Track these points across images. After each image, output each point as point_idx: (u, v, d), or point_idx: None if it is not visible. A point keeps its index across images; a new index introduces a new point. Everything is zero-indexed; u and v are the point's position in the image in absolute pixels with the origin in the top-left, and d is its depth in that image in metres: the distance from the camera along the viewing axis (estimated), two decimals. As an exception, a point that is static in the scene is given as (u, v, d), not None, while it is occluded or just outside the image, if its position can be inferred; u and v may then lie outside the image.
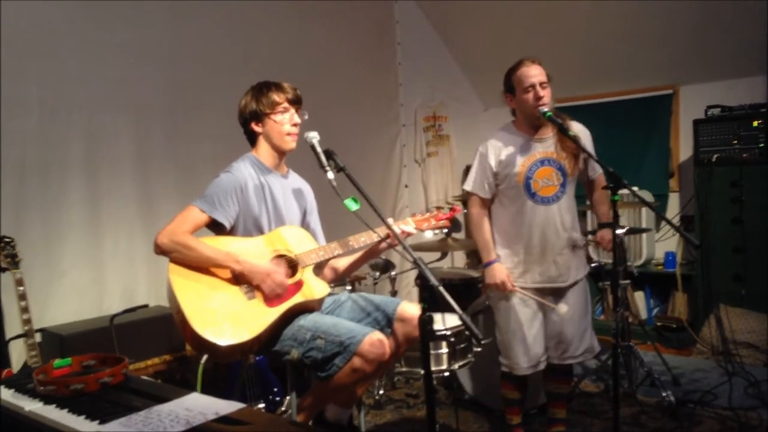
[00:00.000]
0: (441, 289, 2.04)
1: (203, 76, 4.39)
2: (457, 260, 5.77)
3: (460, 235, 4.64)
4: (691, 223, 4.94)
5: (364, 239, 2.65)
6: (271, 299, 2.46)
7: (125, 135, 4.03)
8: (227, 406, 1.65)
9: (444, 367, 3.36)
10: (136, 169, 4.08)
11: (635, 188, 2.93)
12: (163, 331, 3.61)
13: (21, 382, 1.96)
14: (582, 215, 3.92)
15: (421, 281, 2.11)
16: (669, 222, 2.79)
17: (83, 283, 3.81)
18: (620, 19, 4.95)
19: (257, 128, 2.69)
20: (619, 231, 2.75)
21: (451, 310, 2.04)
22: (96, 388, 1.85)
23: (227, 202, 2.54)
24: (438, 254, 4.89)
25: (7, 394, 1.88)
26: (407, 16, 6.17)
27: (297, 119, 2.68)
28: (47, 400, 1.80)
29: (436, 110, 6.31)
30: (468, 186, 3.12)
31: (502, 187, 3.04)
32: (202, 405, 1.67)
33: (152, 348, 3.58)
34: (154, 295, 4.03)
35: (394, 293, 4.21)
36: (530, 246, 2.99)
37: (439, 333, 3.18)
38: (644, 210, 5.06)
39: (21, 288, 3.06)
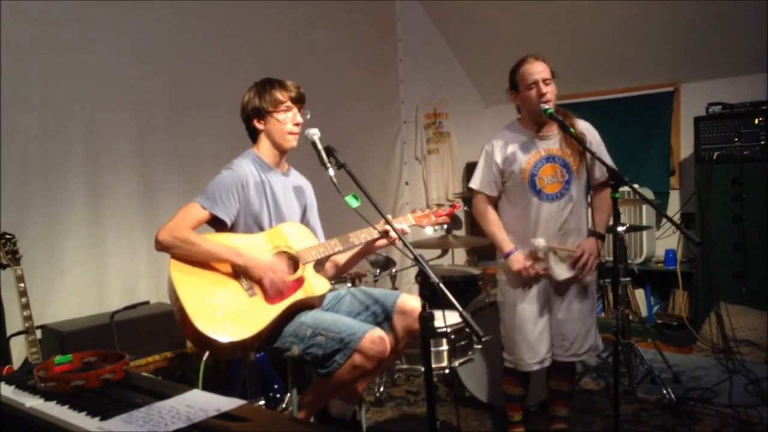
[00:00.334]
0: (441, 286, 2.04)
1: (205, 73, 4.39)
2: (458, 258, 5.76)
3: (461, 233, 4.65)
4: (691, 221, 4.93)
5: (365, 236, 2.66)
6: (271, 296, 2.46)
7: (127, 132, 4.04)
8: (228, 403, 1.65)
9: (444, 364, 3.36)
10: (137, 166, 4.08)
11: (636, 185, 2.94)
12: (164, 327, 3.61)
13: (22, 379, 1.96)
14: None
15: (422, 278, 2.12)
16: (670, 219, 2.79)
17: (84, 280, 3.82)
18: (622, 16, 4.94)
19: (259, 125, 2.69)
20: (619, 228, 2.74)
21: (452, 307, 2.05)
22: (97, 384, 1.85)
23: (228, 198, 2.54)
24: (438, 251, 4.89)
25: (8, 391, 1.88)
26: (408, 14, 6.17)
27: (299, 119, 2.68)
28: (48, 396, 1.80)
29: (437, 107, 6.30)
30: (474, 184, 3.11)
31: (508, 184, 3.04)
32: (203, 402, 1.67)
33: (153, 345, 3.59)
34: (155, 291, 4.04)
35: (394, 290, 4.21)
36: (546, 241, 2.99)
37: (439, 330, 3.18)
38: (645, 207, 5.05)
39: (22, 285, 3.06)
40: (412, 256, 2.16)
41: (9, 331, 3.27)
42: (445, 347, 3.36)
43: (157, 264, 3.84)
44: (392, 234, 2.52)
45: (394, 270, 4.25)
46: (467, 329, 3.12)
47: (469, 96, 6.24)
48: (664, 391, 3.66)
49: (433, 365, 3.30)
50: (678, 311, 5.06)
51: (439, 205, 2.97)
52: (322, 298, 2.64)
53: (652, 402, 3.71)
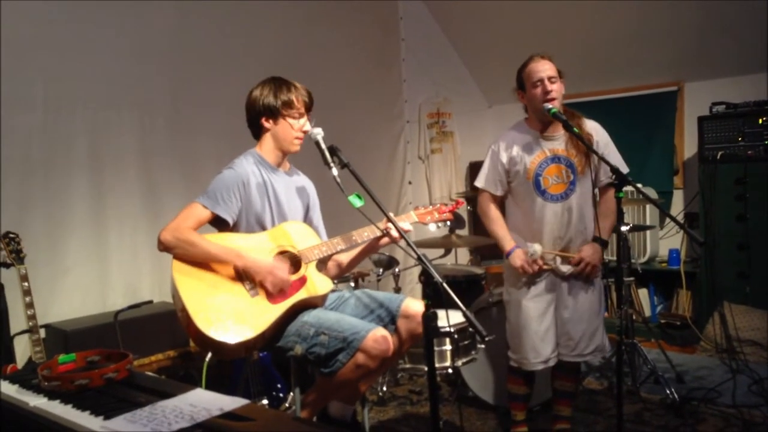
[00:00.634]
0: (444, 285, 2.04)
1: (207, 72, 4.39)
2: (461, 257, 5.77)
3: (464, 232, 4.65)
4: (695, 221, 4.93)
5: (367, 234, 2.65)
6: (274, 296, 2.46)
7: (129, 131, 4.04)
8: (231, 402, 1.65)
9: (447, 363, 3.36)
10: (140, 165, 4.09)
11: (639, 185, 2.93)
12: (167, 327, 3.61)
13: (25, 378, 1.96)
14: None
15: (425, 278, 2.12)
16: (673, 219, 2.78)
17: (87, 279, 3.83)
18: (625, 16, 4.93)
19: (267, 124, 2.67)
20: (623, 228, 2.72)
21: (455, 306, 2.04)
22: (100, 383, 1.85)
23: (230, 198, 2.54)
24: (442, 251, 4.89)
25: (12, 390, 1.89)
26: (412, 13, 6.15)
27: (308, 126, 2.65)
28: (52, 395, 1.80)
29: (440, 107, 6.29)
30: (480, 183, 3.11)
31: (513, 184, 3.04)
32: (206, 401, 1.68)
33: (156, 344, 3.59)
34: (158, 291, 4.04)
35: (397, 290, 4.22)
36: (542, 243, 2.99)
37: (442, 330, 3.18)
38: (648, 207, 5.05)
39: (25, 284, 3.07)
40: (415, 256, 2.16)
41: (13, 330, 3.27)
42: (448, 347, 3.36)
43: (160, 263, 3.85)
44: (395, 233, 2.51)
45: (397, 269, 4.25)
46: (470, 329, 3.14)
47: (473, 95, 6.23)
48: (668, 391, 3.66)
49: (437, 365, 3.31)
50: (681, 311, 5.05)
51: (442, 204, 2.96)
52: (324, 297, 2.65)
53: (655, 402, 3.71)
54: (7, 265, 3.11)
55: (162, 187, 4.17)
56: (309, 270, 2.58)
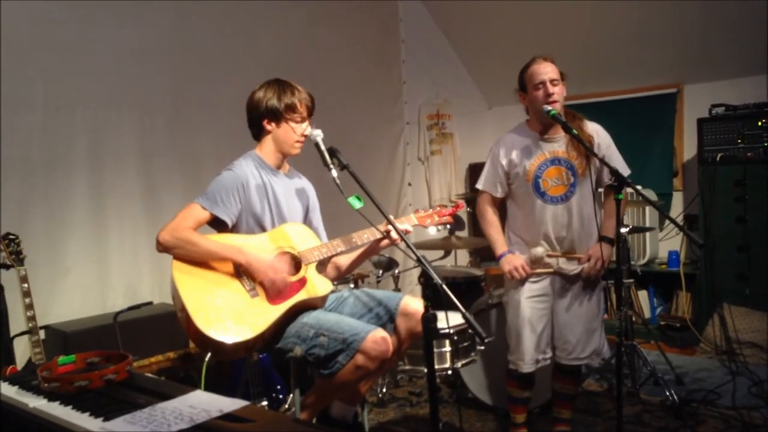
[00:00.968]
0: (444, 287, 2.05)
1: (207, 73, 4.39)
2: (461, 259, 5.77)
3: (464, 234, 4.65)
4: (695, 222, 4.93)
5: (367, 236, 2.66)
6: (273, 297, 2.46)
7: (129, 131, 4.05)
8: (231, 404, 1.65)
9: (447, 365, 3.36)
10: (140, 166, 4.09)
11: (639, 187, 2.92)
12: (167, 328, 3.61)
13: (25, 379, 1.97)
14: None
15: (425, 279, 2.12)
16: (673, 221, 2.78)
17: (87, 280, 3.83)
18: (625, 17, 4.94)
19: (269, 126, 2.67)
20: (623, 229, 2.73)
21: (455, 308, 2.05)
22: (100, 385, 1.86)
23: (229, 199, 2.54)
24: (441, 252, 4.89)
25: (12, 391, 1.89)
26: (411, 14, 6.16)
27: (309, 131, 2.64)
28: (51, 396, 1.80)
29: (440, 108, 6.30)
30: (480, 184, 3.12)
31: (513, 186, 3.04)
32: (205, 402, 1.68)
33: (156, 345, 3.59)
34: (158, 292, 4.04)
35: (397, 291, 4.22)
36: (543, 245, 2.99)
37: (442, 331, 3.18)
38: (648, 209, 5.05)
39: (25, 285, 3.06)
40: (415, 257, 2.16)
41: (12, 332, 3.27)
42: (447, 348, 3.36)
43: (160, 264, 3.85)
44: (395, 235, 2.51)
45: (396, 271, 4.25)
46: (470, 330, 3.14)
47: (472, 97, 6.24)
48: (667, 393, 3.66)
49: (436, 366, 3.31)
50: (681, 313, 5.05)
51: (442, 206, 2.96)
52: (324, 298, 2.65)
53: (655, 403, 3.71)
54: (6, 267, 3.11)
55: (162, 187, 4.17)
56: (309, 271, 2.58)
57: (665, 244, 5.25)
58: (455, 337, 3.36)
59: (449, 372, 3.40)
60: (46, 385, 1.84)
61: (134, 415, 1.61)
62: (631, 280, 4.11)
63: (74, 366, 2.04)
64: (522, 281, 3.02)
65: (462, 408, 3.75)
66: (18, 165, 3.53)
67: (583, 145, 2.81)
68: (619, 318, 2.77)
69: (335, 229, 2.88)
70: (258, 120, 2.68)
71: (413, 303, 2.60)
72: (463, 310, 2.04)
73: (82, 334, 3.41)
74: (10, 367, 3.15)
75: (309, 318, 2.50)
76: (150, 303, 3.85)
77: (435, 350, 3.27)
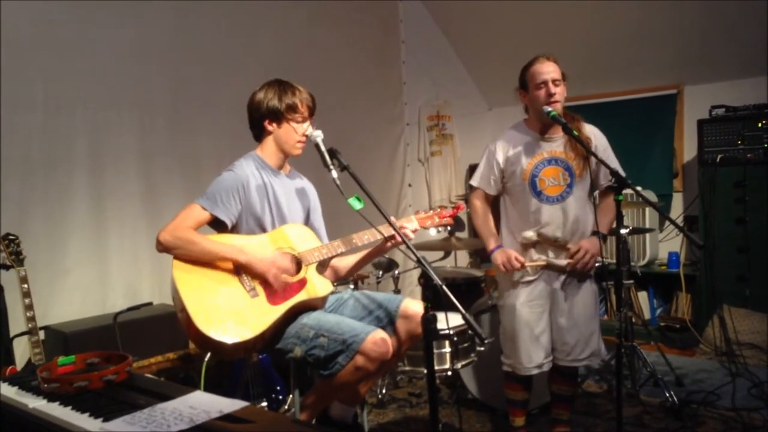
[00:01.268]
0: (444, 288, 2.05)
1: (207, 73, 4.39)
2: (461, 260, 5.77)
3: (464, 235, 4.65)
4: (695, 223, 4.93)
5: (367, 236, 2.65)
6: (274, 297, 2.46)
7: (130, 131, 4.04)
8: (231, 405, 1.65)
9: (447, 366, 3.36)
10: (139, 166, 4.09)
11: (639, 188, 2.92)
12: (167, 328, 3.61)
13: (25, 380, 1.97)
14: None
15: (425, 280, 2.12)
16: (673, 222, 2.78)
17: (87, 281, 3.83)
18: (625, 18, 4.94)
19: (270, 127, 2.67)
20: (623, 230, 2.72)
21: (454, 309, 2.05)
22: (100, 385, 1.86)
23: (229, 200, 2.54)
24: (441, 253, 4.89)
25: (11, 392, 1.89)
26: (412, 15, 6.17)
27: (310, 131, 2.64)
28: (51, 397, 1.80)
29: (440, 109, 6.30)
30: (474, 181, 3.11)
31: (509, 184, 3.03)
32: (205, 403, 1.68)
33: (156, 346, 3.58)
34: (158, 292, 4.04)
35: (397, 292, 4.21)
36: (538, 245, 2.99)
37: (442, 332, 3.17)
38: (648, 210, 5.05)
39: (25, 285, 3.06)
40: (415, 258, 2.16)
41: (12, 332, 3.27)
42: (447, 349, 3.36)
43: (160, 265, 3.85)
44: (396, 237, 2.52)
45: (396, 272, 4.25)
46: (470, 331, 3.14)
47: (473, 98, 6.24)
48: (667, 394, 3.66)
49: (436, 367, 3.31)
50: (681, 314, 5.05)
51: (442, 207, 2.96)
52: (324, 299, 2.65)
53: (654, 405, 3.71)
54: (6, 267, 3.11)
55: (162, 187, 4.17)
56: (309, 272, 2.58)
57: (665, 245, 5.25)
58: (455, 338, 3.36)
59: (449, 373, 3.40)
60: (45, 385, 1.84)
61: (134, 415, 1.61)
62: (631, 281, 4.11)
63: (74, 366, 2.04)
64: (516, 285, 3.02)
65: (462, 409, 3.75)
66: (18, 165, 3.53)
67: (583, 146, 2.82)
68: (618, 319, 2.76)
69: (336, 229, 2.88)
70: (259, 121, 2.68)
71: (413, 305, 2.60)
72: (463, 311, 2.04)
73: (82, 335, 3.41)
74: (10, 367, 3.14)
75: (309, 319, 2.50)
76: (150, 304, 3.85)
77: (435, 351, 3.27)
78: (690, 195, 5.12)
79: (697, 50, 4.90)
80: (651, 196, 4.95)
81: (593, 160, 2.92)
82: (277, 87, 2.66)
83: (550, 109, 2.82)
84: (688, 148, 5.19)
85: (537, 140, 2.98)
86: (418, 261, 2.13)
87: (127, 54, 3.98)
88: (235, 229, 2.60)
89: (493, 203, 3.15)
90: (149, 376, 2.30)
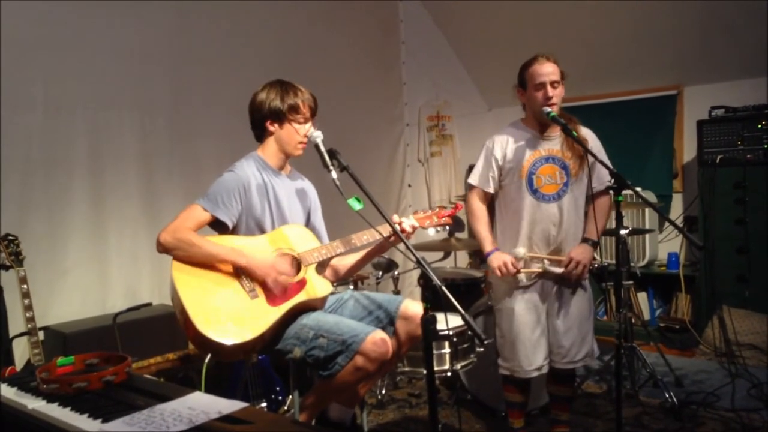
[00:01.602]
0: (444, 288, 2.04)
1: (208, 74, 4.40)
2: (460, 260, 5.76)
3: (463, 235, 4.64)
4: (694, 224, 4.93)
5: (366, 237, 2.65)
6: (273, 298, 2.46)
7: (130, 132, 4.05)
8: (230, 405, 1.65)
9: (446, 367, 3.36)
10: (140, 167, 4.09)
11: (639, 189, 2.92)
12: (167, 329, 3.61)
13: (24, 380, 1.97)
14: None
15: (424, 281, 2.12)
16: (672, 223, 2.79)
17: (87, 281, 3.83)
18: (625, 19, 4.94)
19: (272, 128, 2.67)
20: (622, 231, 2.72)
21: (454, 310, 2.04)
22: (99, 386, 1.86)
23: (230, 201, 2.54)
24: (441, 254, 4.89)
25: (10, 392, 1.89)
26: (412, 15, 6.17)
27: (312, 131, 2.64)
28: (50, 398, 1.80)
29: (440, 110, 6.31)
30: (473, 179, 3.10)
31: (505, 182, 3.03)
32: (204, 404, 1.68)
33: (155, 346, 3.58)
34: (157, 293, 4.04)
35: (396, 293, 4.21)
36: (532, 243, 2.98)
37: (441, 333, 3.17)
38: (648, 211, 5.05)
39: (24, 286, 3.06)
40: (414, 259, 2.16)
41: (12, 333, 3.27)
42: (447, 350, 3.36)
43: (160, 265, 3.84)
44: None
45: (396, 272, 4.24)
46: (469, 332, 3.14)
47: (472, 98, 6.24)
48: (667, 395, 3.66)
49: (435, 368, 3.30)
50: (681, 315, 5.05)
51: (441, 207, 2.96)
52: (324, 300, 2.64)
53: (654, 405, 3.71)
54: (6, 267, 3.11)
55: (162, 188, 4.17)
56: (308, 273, 2.58)
57: (665, 245, 5.25)
58: (454, 339, 3.36)
59: (448, 374, 3.39)
60: (44, 386, 1.84)
61: (133, 416, 1.61)
62: (631, 282, 4.11)
63: (73, 367, 2.04)
64: (512, 288, 3.01)
65: (461, 409, 3.75)
66: (18, 165, 3.53)
67: (583, 147, 2.82)
68: (618, 320, 2.76)
69: (336, 230, 2.88)
70: (261, 121, 2.68)
71: (413, 306, 2.60)
72: (463, 311, 2.03)
73: (82, 335, 3.41)
74: (9, 368, 3.14)
75: (308, 319, 2.50)
76: (149, 304, 3.85)
77: (434, 352, 3.26)
78: (690, 196, 5.11)
79: (697, 51, 4.90)
80: (651, 196, 4.95)
81: (589, 162, 2.93)
82: (279, 87, 2.66)
83: (549, 110, 2.83)
84: (687, 149, 5.19)
85: (535, 138, 2.98)
86: (418, 262, 2.13)
87: (127, 54, 3.98)
88: (234, 230, 2.60)
89: (488, 204, 3.15)
90: (148, 376, 2.31)
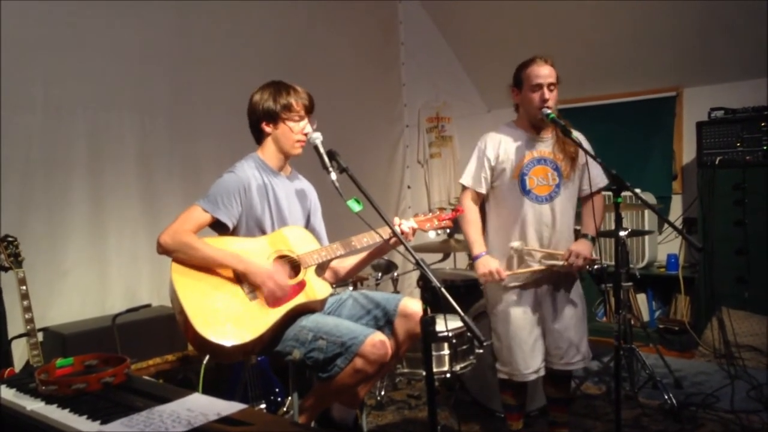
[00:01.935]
0: (443, 290, 2.04)
1: (208, 75, 4.40)
2: (460, 261, 5.76)
3: (463, 236, 4.64)
4: (693, 226, 4.93)
5: (366, 239, 2.65)
6: (271, 302, 2.45)
7: (129, 133, 4.04)
8: (229, 407, 1.65)
9: (446, 368, 3.36)
10: (140, 168, 4.09)
11: (638, 190, 2.92)
12: (166, 330, 3.61)
13: (23, 382, 1.96)
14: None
15: (423, 282, 2.12)
16: (671, 224, 2.79)
17: (86, 283, 3.82)
18: (624, 20, 4.94)
19: (267, 128, 2.67)
20: (621, 233, 2.72)
21: (453, 311, 2.04)
22: (98, 388, 1.85)
23: (230, 202, 2.54)
24: (440, 255, 4.89)
25: (9, 394, 1.89)
26: (411, 16, 6.17)
27: (309, 129, 2.65)
28: (49, 399, 1.80)
29: (440, 111, 6.31)
30: (465, 180, 3.07)
31: (496, 183, 3.02)
32: (203, 405, 1.68)
33: (154, 348, 3.58)
34: (156, 294, 4.04)
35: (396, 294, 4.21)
36: (525, 243, 2.98)
37: (441, 334, 3.17)
38: (647, 212, 5.05)
39: (23, 287, 3.06)
40: (413, 260, 2.16)
41: (11, 334, 3.26)
42: (446, 351, 3.36)
43: (159, 266, 3.84)
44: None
45: (395, 274, 4.24)
46: (469, 333, 3.13)
47: (472, 100, 6.24)
48: (666, 396, 3.66)
49: (435, 369, 3.30)
50: (680, 316, 5.05)
51: (441, 209, 2.96)
52: (323, 302, 2.64)
53: (653, 407, 3.71)
54: (5, 269, 3.11)
55: (162, 189, 4.17)
56: (308, 275, 2.58)
57: (664, 247, 5.25)
58: (454, 341, 3.36)
59: (448, 375, 3.39)
60: (43, 387, 1.84)
61: (132, 418, 1.61)
62: (630, 284, 4.11)
63: (72, 369, 2.04)
64: (506, 291, 3.01)
65: (460, 411, 3.75)
66: (18, 166, 3.53)
67: (582, 148, 2.83)
68: (617, 321, 2.76)
69: (336, 231, 2.88)
70: (257, 123, 2.69)
71: (412, 304, 2.60)
72: (462, 313, 2.03)
73: (81, 337, 3.41)
74: (8, 369, 3.14)
75: (308, 321, 2.50)
76: (149, 305, 3.85)
77: (434, 353, 3.26)
78: (689, 197, 5.11)
79: (697, 52, 4.90)
80: (650, 198, 4.95)
81: (580, 163, 2.93)
82: (272, 88, 2.67)
83: (548, 111, 2.83)
84: (687, 150, 5.19)
85: (527, 139, 2.98)
86: (417, 263, 2.13)
87: (127, 55, 3.98)
88: (235, 231, 2.60)
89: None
90: (147, 378, 2.30)
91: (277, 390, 3.61)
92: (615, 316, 2.86)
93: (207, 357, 3.38)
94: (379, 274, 4.21)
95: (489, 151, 3.01)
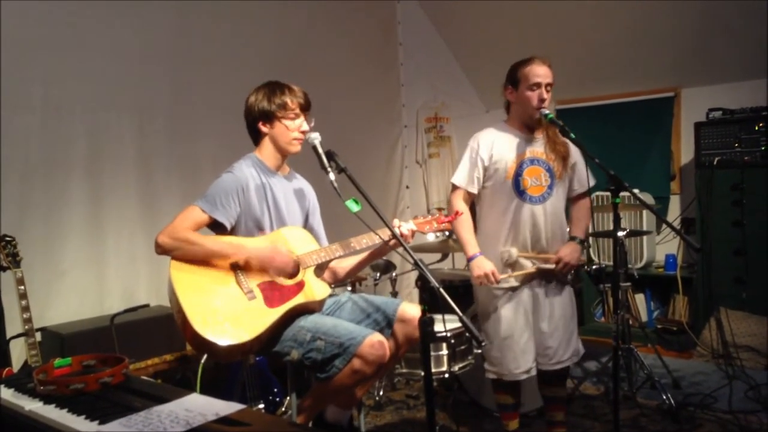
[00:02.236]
0: (441, 290, 2.04)
1: (206, 75, 4.40)
2: (458, 262, 5.76)
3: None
4: (692, 226, 4.93)
5: (366, 240, 2.65)
6: (271, 300, 2.45)
7: (128, 134, 4.04)
8: (227, 407, 1.65)
9: (444, 368, 3.36)
10: (138, 168, 4.09)
11: (636, 190, 2.93)
12: (164, 330, 3.61)
13: (21, 382, 1.96)
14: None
15: (422, 283, 2.12)
16: (669, 225, 2.79)
17: (84, 283, 3.82)
18: (622, 21, 4.94)
19: (264, 128, 2.68)
20: (620, 233, 2.73)
21: (452, 311, 2.04)
22: (96, 388, 1.85)
23: (228, 202, 2.54)
24: (439, 255, 4.89)
25: (7, 394, 1.89)
26: (410, 17, 6.17)
27: (306, 126, 2.65)
28: (47, 399, 1.80)
29: (438, 111, 6.31)
30: (458, 180, 3.06)
31: (489, 183, 3.01)
32: (201, 406, 1.68)
33: (153, 348, 3.58)
34: (155, 294, 4.04)
35: (394, 294, 4.22)
36: (518, 245, 2.98)
37: (439, 335, 3.17)
38: (645, 212, 5.05)
39: (22, 287, 3.06)
40: (412, 261, 2.16)
41: (9, 334, 3.26)
42: (444, 352, 3.36)
43: (157, 266, 3.83)
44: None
45: (394, 274, 4.25)
46: (467, 334, 3.14)
47: (470, 100, 6.23)
48: (664, 397, 3.66)
49: (433, 370, 3.30)
50: (678, 316, 5.05)
51: (439, 210, 2.96)
52: (322, 302, 2.64)
53: (651, 407, 3.71)
54: (3, 269, 3.11)
55: (160, 190, 4.17)
56: (307, 275, 2.58)
57: (662, 247, 5.25)
58: (452, 341, 3.36)
59: (446, 375, 3.39)
60: (41, 387, 1.84)
61: (130, 418, 1.61)
62: (628, 284, 4.11)
63: (70, 369, 2.04)
64: (495, 294, 3.01)
65: (459, 411, 3.75)
66: (16, 167, 3.53)
67: (582, 149, 2.82)
68: (615, 321, 2.76)
69: (335, 232, 2.88)
70: (254, 124, 2.70)
71: (411, 309, 2.60)
72: (460, 313, 2.03)
73: (79, 337, 3.41)
74: (6, 369, 3.14)
75: (306, 322, 2.50)
76: (147, 305, 3.85)
77: (432, 353, 3.26)
78: (687, 197, 5.12)
79: (695, 53, 4.90)
80: (648, 198, 4.95)
81: (570, 165, 2.95)
82: (267, 89, 2.68)
83: (547, 111, 2.83)
84: (685, 151, 5.19)
85: (520, 139, 2.98)
86: (416, 263, 2.13)
87: (126, 55, 3.98)
88: (233, 231, 2.60)
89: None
90: (145, 378, 2.30)
91: (275, 390, 3.61)
92: (613, 317, 2.86)
93: (205, 357, 3.38)
94: (378, 274, 4.21)
95: (482, 151, 3.00)
